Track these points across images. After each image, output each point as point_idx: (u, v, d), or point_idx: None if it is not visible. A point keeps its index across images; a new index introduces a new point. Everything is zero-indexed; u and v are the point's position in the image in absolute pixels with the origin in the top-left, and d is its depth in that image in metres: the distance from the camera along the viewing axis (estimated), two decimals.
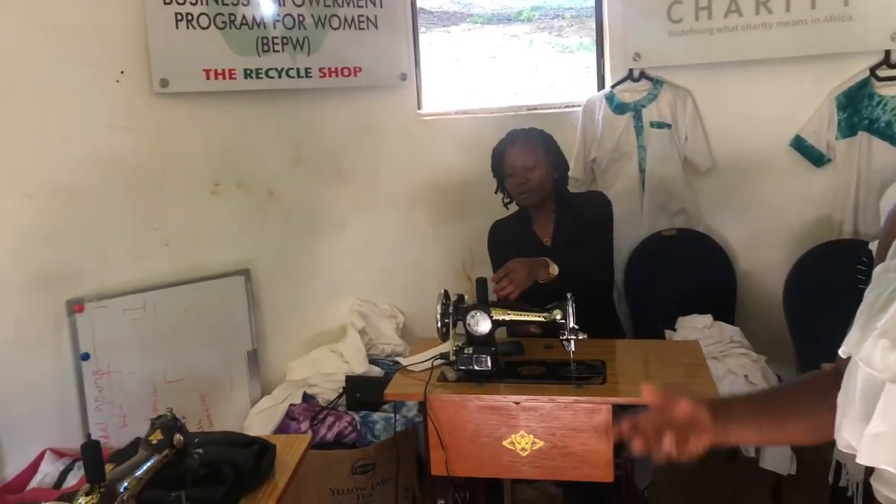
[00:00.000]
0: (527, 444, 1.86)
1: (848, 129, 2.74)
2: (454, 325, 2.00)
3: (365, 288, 3.06)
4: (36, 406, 2.38)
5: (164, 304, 2.60)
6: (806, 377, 1.10)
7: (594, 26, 3.19)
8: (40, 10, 2.36)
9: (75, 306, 2.43)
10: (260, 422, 2.63)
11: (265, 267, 2.85)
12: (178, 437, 1.30)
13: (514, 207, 2.46)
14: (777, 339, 2.65)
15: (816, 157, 2.80)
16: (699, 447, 0.97)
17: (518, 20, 5.54)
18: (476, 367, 1.93)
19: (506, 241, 2.39)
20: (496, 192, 2.44)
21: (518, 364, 2.03)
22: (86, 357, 2.45)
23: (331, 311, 2.99)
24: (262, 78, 2.72)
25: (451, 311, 1.99)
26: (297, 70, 2.78)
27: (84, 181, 2.47)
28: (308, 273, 2.96)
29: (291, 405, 2.66)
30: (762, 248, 2.93)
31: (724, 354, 2.43)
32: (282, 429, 2.60)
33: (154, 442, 1.28)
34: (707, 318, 2.55)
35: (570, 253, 2.19)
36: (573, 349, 1.90)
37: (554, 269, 2.01)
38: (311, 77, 2.81)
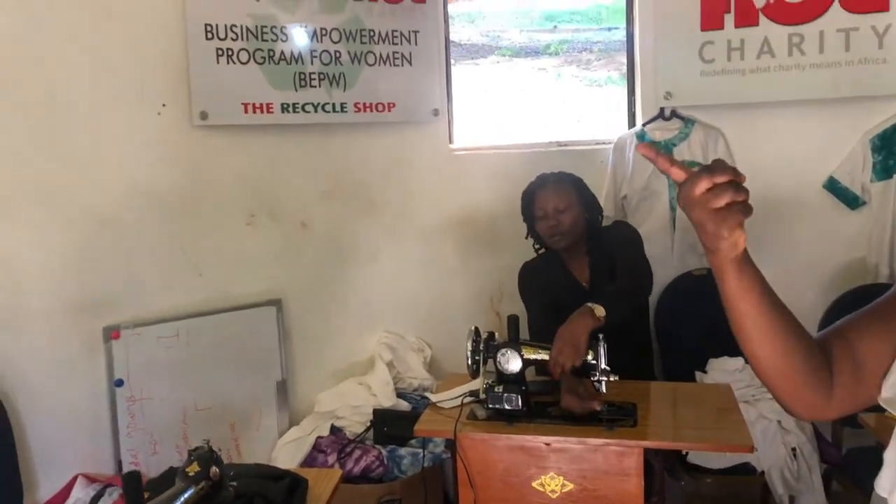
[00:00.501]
0: (556, 485, 1.85)
1: (883, 171, 2.72)
2: (484, 363, 2.01)
3: (393, 320, 3.07)
4: (69, 430, 2.43)
5: (197, 333, 2.63)
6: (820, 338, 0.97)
7: (624, 62, 3.22)
8: (88, 44, 2.45)
9: (112, 333, 2.47)
10: (287, 453, 2.64)
11: (296, 297, 2.88)
12: (214, 469, 1.32)
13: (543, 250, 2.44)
14: None
15: (851, 199, 2.78)
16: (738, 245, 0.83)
17: (546, 53, 5.59)
18: (506, 406, 1.92)
19: (539, 283, 2.37)
20: (527, 237, 2.43)
21: (548, 404, 2.02)
22: (120, 383, 2.48)
23: (360, 342, 3.01)
24: (298, 112, 2.78)
25: (481, 348, 1.99)
26: (333, 105, 2.84)
27: (124, 210, 2.53)
28: (338, 304, 2.98)
29: (319, 437, 2.66)
30: (795, 290, 2.88)
31: (756, 399, 2.40)
32: (309, 461, 2.60)
33: (191, 474, 1.30)
34: (739, 361, 2.52)
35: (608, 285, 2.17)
36: (604, 391, 1.89)
37: (600, 311, 1.95)
38: (346, 112, 2.86)
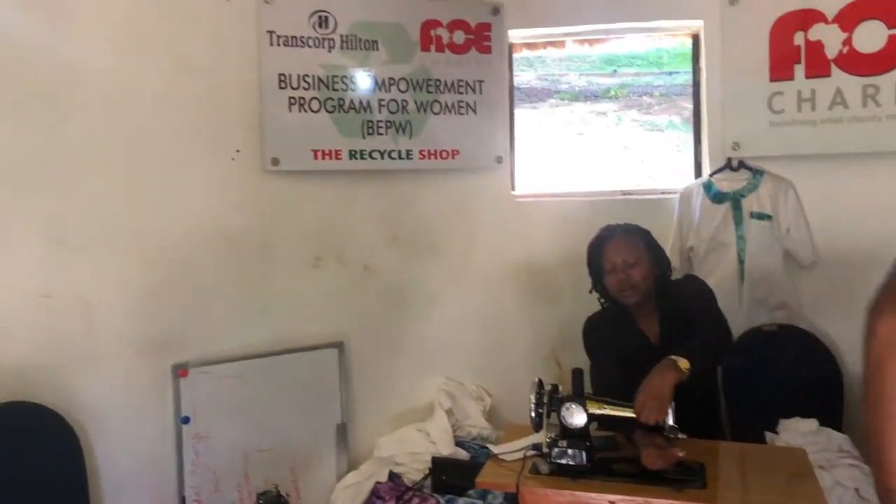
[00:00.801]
0: None
1: None
2: (548, 416, 1.97)
3: (453, 367, 3.07)
4: (138, 465, 2.49)
5: (261, 373, 2.68)
6: None
7: (686, 107, 3.20)
8: (171, 93, 2.57)
9: (180, 371, 2.54)
10: (346, 497, 2.64)
11: (358, 340, 2.91)
12: None
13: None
14: None
15: None
16: None
17: (606, 97, 5.59)
18: (571, 462, 1.89)
19: (606, 338, 2.27)
20: (591, 292, 2.34)
21: (612, 460, 1.98)
22: (186, 420, 2.54)
23: (419, 388, 3.00)
24: (365, 159, 2.85)
25: (545, 400, 1.96)
26: (399, 152, 2.90)
27: (196, 252, 2.62)
28: (399, 349, 3.00)
29: (377, 483, 2.66)
30: None
31: (831, 464, 2.29)
32: None
33: None
34: (813, 423, 2.42)
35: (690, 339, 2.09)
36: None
37: (684, 364, 1.87)
38: (411, 159, 2.92)
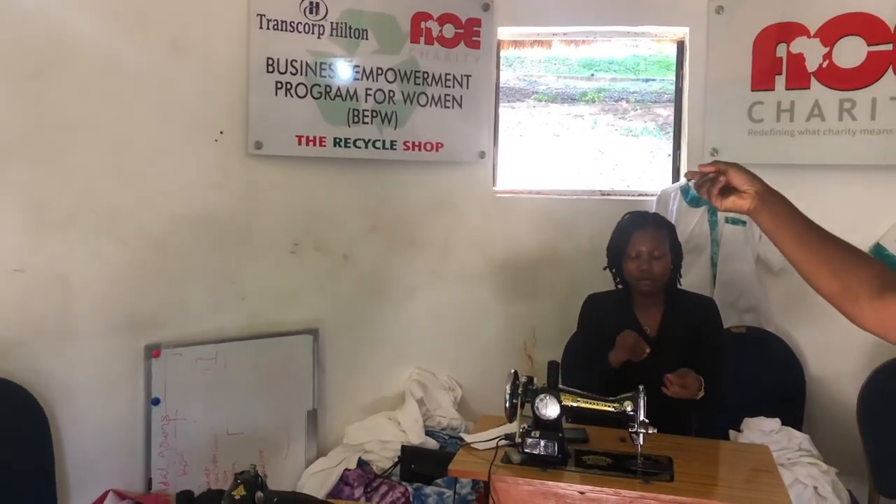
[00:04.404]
0: None
1: None
2: (521, 407, 2.00)
3: (426, 357, 3.08)
4: (105, 445, 2.46)
5: (235, 357, 2.67)
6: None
7: (660, 114, 3.25)
8: (156, 73, 2.54)
9: (153, 351, 2.52)
10: (314, 483, 2.64)
11: (333, 328, 2.91)
12: (259, 494, 1.34)
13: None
14: (849, 452, 2.55)
15: None
16: (733, 206, 1.25)
17: (583, 101, 5.65)
18: (542, 452, 1.92)
19: (603, 316, 2.35)
20: (605, 269, 2.39)
21: (583, 452, 2.01)
22: (156, 402, 2.52)
23: (392, 377, 3.02)
24: (349, 147, 2.85)
25: (520, 392, 1.99)
26: (383, 142, 2.91)
27: (175, 233, 2.60)
28: (373, 338, 3.01)
29: (346, 470, 2.66)
30: (835, 353, 2.86)
31: (791, 462, 2.36)
32: (335, 493, 2.60)
33: (237, 497, 1.31)
34: (775, 422, 2.48)
35: (675, 353, 2.21)
36: (642, 443, 1.87)
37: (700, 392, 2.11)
38: (395, 149, 2.93)
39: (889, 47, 2.69)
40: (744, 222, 2.89)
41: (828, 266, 1.16)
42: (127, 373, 2.51)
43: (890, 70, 2.70)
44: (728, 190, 1.26)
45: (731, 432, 2.56)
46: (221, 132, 2.68)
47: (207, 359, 2.64)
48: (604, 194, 3.23)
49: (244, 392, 2.69)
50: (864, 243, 2.81)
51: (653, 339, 2.28)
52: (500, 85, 3.26)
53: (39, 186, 2.36)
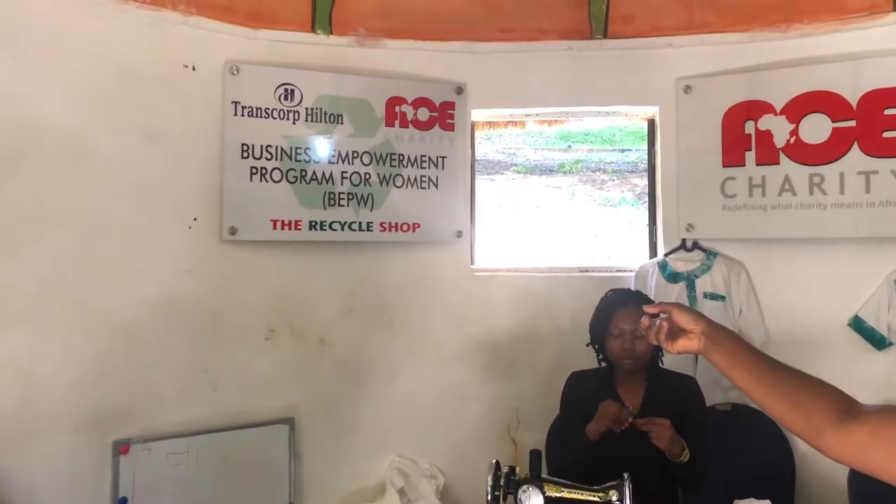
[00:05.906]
0: None
1: None
2: (504, 498, 1.92)
3: (407, 444, 2.99)
4: None
5: (207, 450, 2.57)
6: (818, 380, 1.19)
7: (637, 183, 3.28)
8: (131, 159, 2.53)
9: (121, 447, 2.42)
10: None
11: (310, 416, 2.83)
12: None
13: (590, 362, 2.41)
14: None
15: (877, 340, 2.74)
16: (684, 348, 1.30)
17: (560, 172, 5.72)
18: None
19: (585, 395, 2.31)
20: (588, 345, 2.38)
21: None
22: (124, 501, 2.41)
23: (371, 466, 2.92)
24: (325, 230, 2.83)
25: (502, 483, 1.92)
26: (360, 224, 2.89)
27: (145, 321, 2.54)
28: (352, 425, 2.92)
29: None
30: None
31: None
32: None
33: None
34: None
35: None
36: None
37: (685, 454, 2.11)
38: (371, 231, 2.91)
39: (853, 123, 2.75)
40: (723, 297, 2.88)
41: (789, 401, 1.14)
42: (92, 471, 2.40)
43: (855, 145, 2.75)
44: (676, 333, 1.31)
45: None
46: (195, 219, 2.66)
47: (179, 453, 2.54)
48: (582, 271, 3.21)
49: (217, 487, 2.58)
50: (843, 315, 2.81)
51: (635, 416, 2.24)
52: (479, 158, 3.28)
53: (2, 277, 2.30)
